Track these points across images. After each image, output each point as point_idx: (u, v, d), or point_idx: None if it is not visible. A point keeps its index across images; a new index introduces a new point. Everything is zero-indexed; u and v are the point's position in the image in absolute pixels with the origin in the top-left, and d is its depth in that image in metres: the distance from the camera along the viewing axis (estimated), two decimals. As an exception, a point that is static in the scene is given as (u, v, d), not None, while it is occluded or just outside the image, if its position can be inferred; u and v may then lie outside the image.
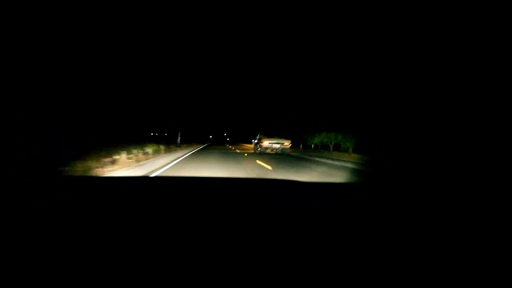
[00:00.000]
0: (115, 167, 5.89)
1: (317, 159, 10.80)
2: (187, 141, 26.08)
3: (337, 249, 0.71)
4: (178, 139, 19.30)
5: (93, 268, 0.58)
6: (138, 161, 7.43)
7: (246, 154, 11.53)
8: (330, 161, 9.68)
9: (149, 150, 9.55)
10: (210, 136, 73.95)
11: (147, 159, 8.15)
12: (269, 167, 6.74)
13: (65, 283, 0.55)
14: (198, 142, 37.08)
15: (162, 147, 11.76)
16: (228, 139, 70.90)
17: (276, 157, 10.68)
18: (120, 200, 1.00)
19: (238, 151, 15.72)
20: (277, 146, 12.99)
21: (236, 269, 0.60)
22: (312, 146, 19.13)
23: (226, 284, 0.57)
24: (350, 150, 14.61)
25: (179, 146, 17.87)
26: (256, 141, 14.62)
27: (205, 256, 0.64)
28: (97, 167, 5.27)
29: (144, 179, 2.30)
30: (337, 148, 16.42)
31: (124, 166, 6.19)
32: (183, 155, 10.47)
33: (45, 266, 0.59)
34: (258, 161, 8.35)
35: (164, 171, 5.87)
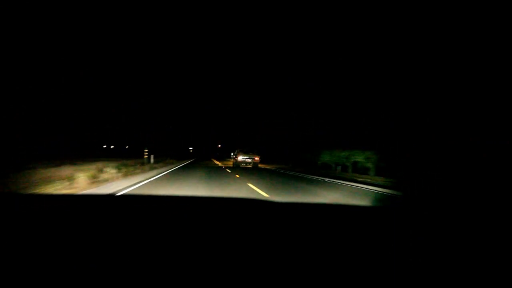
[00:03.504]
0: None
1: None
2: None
3: (335, 248, 0.70)
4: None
5: (93, 268, 0.57)
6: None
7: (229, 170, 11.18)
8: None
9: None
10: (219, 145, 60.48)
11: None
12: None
13: (63, 282, 0.53)
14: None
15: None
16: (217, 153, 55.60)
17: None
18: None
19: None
20: (249, 160, 14.87)
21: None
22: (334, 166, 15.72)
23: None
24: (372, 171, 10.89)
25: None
26: (233, 155, 16.53)
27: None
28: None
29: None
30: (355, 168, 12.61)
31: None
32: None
33: (44, 265, 0.57)
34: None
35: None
